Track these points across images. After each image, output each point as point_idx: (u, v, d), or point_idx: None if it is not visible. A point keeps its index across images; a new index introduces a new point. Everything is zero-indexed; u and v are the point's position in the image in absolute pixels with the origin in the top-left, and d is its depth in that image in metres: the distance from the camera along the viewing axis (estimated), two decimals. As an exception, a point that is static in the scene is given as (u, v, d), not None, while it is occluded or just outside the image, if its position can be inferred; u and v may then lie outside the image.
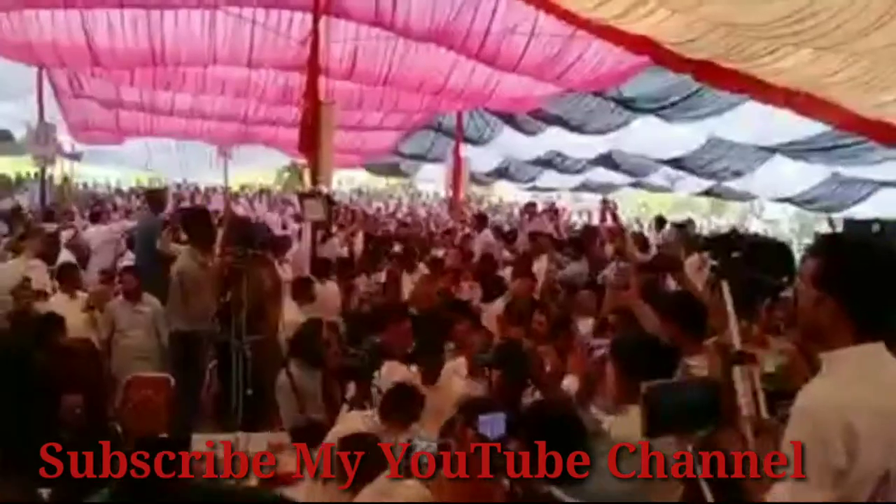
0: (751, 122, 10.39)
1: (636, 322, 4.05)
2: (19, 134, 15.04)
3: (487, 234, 11.02)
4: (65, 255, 7.98)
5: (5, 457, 3.23)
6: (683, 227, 9.38)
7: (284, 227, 13.88)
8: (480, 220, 11.71)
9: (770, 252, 2.80)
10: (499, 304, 6.28)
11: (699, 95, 10.13)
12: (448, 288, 7.04)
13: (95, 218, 10.81)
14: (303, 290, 6.82)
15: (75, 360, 4.74)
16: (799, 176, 12.64)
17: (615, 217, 9.73)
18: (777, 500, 1.87)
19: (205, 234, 5.98)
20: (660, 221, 10.68)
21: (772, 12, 5.56)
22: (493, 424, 1.88)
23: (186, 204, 15.66)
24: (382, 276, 8.00)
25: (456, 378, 4.35)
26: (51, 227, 9.19)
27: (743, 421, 2.26)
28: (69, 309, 5.62)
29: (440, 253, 9.43)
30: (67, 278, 6.29)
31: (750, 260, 2.53)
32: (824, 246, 2.06)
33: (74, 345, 5.30)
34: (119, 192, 21.90)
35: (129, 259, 8.33)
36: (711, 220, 25.69)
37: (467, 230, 12.52)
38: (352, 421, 3.92)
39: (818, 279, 1.95)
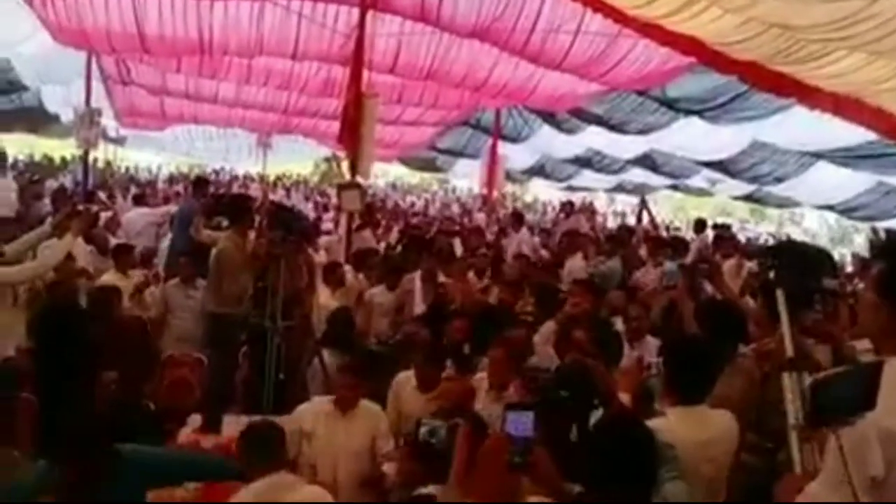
0: (796, 127, 10.24)
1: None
2: (66, 117, 15.37)
3: (525, 233, 10.90)
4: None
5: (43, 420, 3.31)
6: (727, 229, 9.26)
7: (319, 218, 14.01)
8: (517, 219, 11.59)
9: (815, 258, 2.77)
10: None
11: (745, 98, 9.99)
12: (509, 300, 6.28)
13: (139, 201, 11.01)
14: (333, 275, 6.89)
15: (126, 335, 4.88)
16: (842, 184, 12.41)
17: (651, 215, 9.75)
18: (806, 499, 1.86)
19: (245, 219, 6.08)
20: (700, 224, 10.54)
21: (828, 13, 5.45)
22: (519, 423, 1.85)
23: (223, 191, 15.84)
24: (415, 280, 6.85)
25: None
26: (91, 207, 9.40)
27: (790, 428, 2.25)
28: (123, 287, 5.75)
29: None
30: (121, 258, 6.45)
31: (797, 266, 2.51)
32: (889, 251, 2.02)
33: (128, 320, 5.46)
34: (160, 179, 22.25)
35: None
36: (749, 226, 25.28)
37: (497, 228, 12.51)
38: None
39: (879, 284, 1.92)
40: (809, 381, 1.93)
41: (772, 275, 2.57)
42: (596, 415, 2.64)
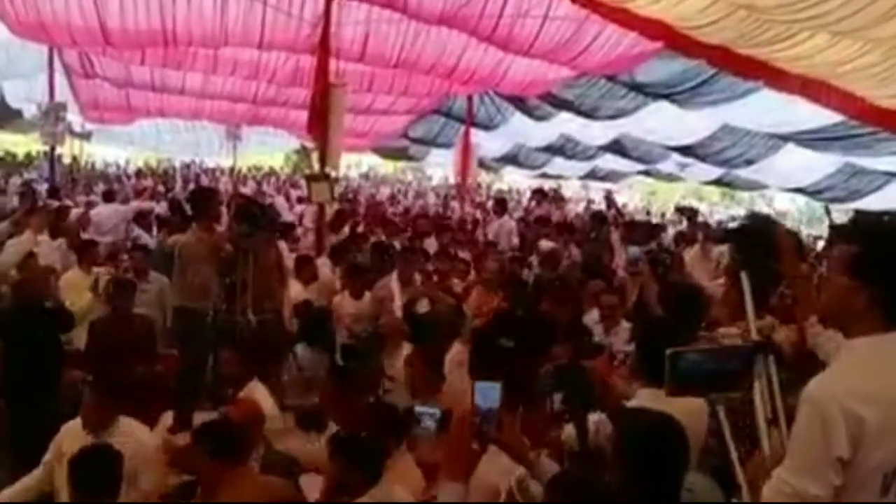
0: (764, 110, 10.31)
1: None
2: (29, 112, 15.08)
3: (506, 219, 10.76)
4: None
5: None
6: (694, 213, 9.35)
7: (291, 209, 13.90)
8: (501, 205, 11.47)
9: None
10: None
11: (713, 82, 10.03)
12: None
13: (108, 197, 10.86)
14: (305, 269, 6.82)
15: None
16: (810, 165, 12.54)
17: (617, 209, 9.85)
18: (771, 487, 1.86)
19: (207, 212, 5.99)
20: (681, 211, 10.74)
21: (792, -6, 5.48)
22: (487, 394, 1.87)
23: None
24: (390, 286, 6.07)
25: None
26: (53, 203, 9.25)
27: (757, 411, 2.25)
28: (84, 285, 5.64)
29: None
30: (85, 254, 6.34)
31: (760, 248, 2.51)
32: (860, 233, 2.00)
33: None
34: (126, 174, 21.92)
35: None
36: (720, 210, 25.55)
37: (478, 217, 12.45)
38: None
39: (852, 267, 1.90)
40: (669, 351, 1.94)
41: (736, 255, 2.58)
42: (593, 418, 2.62)
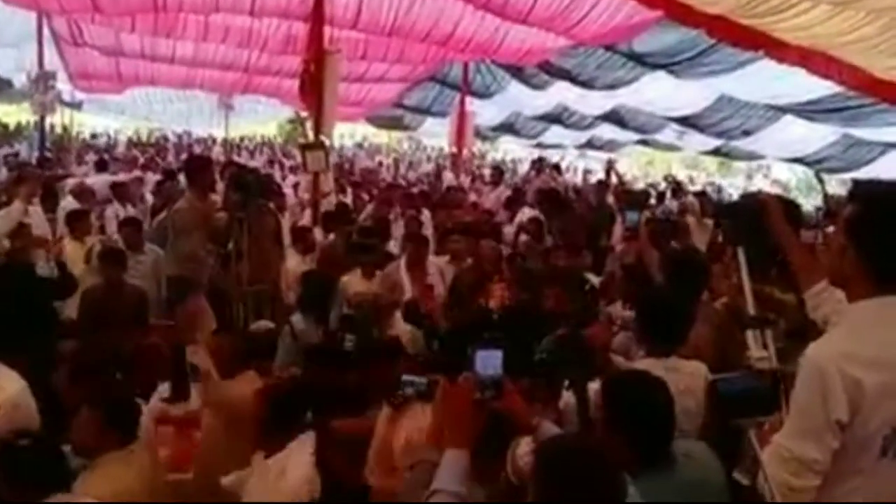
0: (762, 81, 10.23)
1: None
2: (19, 81, 14.86)
3: (504, 190, 10.66)
4: (69, 203, 7.94)
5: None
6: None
7: (284, 179, 13.77)
8: (498, 175, 11.31)
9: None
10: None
11: (711, 52, 9.94)
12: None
13: (101, 166, 10.73)
14: (302, 239, 6.78)
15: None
16: (808, 136, 12.51)
17: (619, 177, 9.83)
18: (771, 452, 1.87)
19: (202, 180, 5.93)
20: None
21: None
22: (488, 361, 1.87)
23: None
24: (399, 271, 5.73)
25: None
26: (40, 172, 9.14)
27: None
28: (77, 256, 5.60)
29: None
30: (77, 225, 6.28)
31: (757, 221, 2.48)
32: (855, 195, 2.01)
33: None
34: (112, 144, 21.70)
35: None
36: (717, 179, 25.49)
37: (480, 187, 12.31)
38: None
39: (846, 227, 1.92)
40: (710, 380, 1.94)
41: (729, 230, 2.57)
42: (593, 386, 2.62)
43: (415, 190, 11.48)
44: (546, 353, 2.83)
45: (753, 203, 2.50)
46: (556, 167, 13.42)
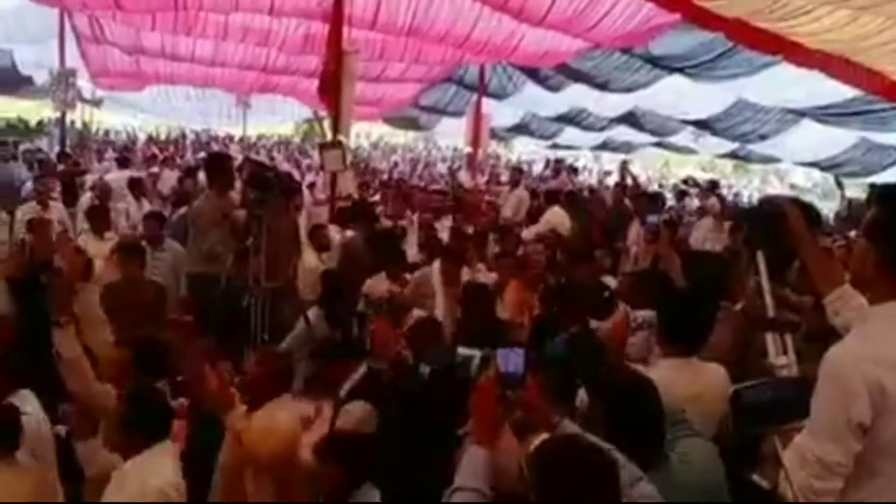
0: (779, 84, 10.18)
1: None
2: (41, 79, 15.02)
3: (521, 191, 10.44)
4: (88, 198, 8.05)
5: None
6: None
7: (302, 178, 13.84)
8: (517, 176, 11.00)
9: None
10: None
11: (729, 55, 9.90)
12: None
13: (122, 164, 10.83)
14: (319, 238, 6.83)
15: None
16: (826, 140, 12.42)
17: (633, 177, 9.80)
18: (793, 454, 1.87)
19: (222, 178, 5.98)
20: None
21: (813, -33, 5.37)
22: (510, 360, 1.89)
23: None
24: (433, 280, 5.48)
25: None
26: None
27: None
28: (98, 250, 5.66)
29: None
30: (97, 220, 6.35)
31: (775, 227, 2.49)
32: (879, 197, 2.03)
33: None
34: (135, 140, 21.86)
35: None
36: (732, 182, 25.34)
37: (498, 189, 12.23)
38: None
39: (866, 229, 1.94)
40: (731, 391, 1.95)
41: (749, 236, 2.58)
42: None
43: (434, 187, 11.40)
44: (558, 351, 2.86)
45: (773, 207, 2.50)
46: (574, 169, 13.37)
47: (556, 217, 8.14)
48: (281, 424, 3.13)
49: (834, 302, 2.25)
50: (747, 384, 1.99)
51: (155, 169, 11.90)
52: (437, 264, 5.53)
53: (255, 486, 3.10)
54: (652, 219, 5.42)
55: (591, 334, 3.10)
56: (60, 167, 10.15)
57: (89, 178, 8.94)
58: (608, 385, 2.37)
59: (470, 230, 7.50)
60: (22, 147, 13.30)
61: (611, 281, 5.23)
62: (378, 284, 5.56)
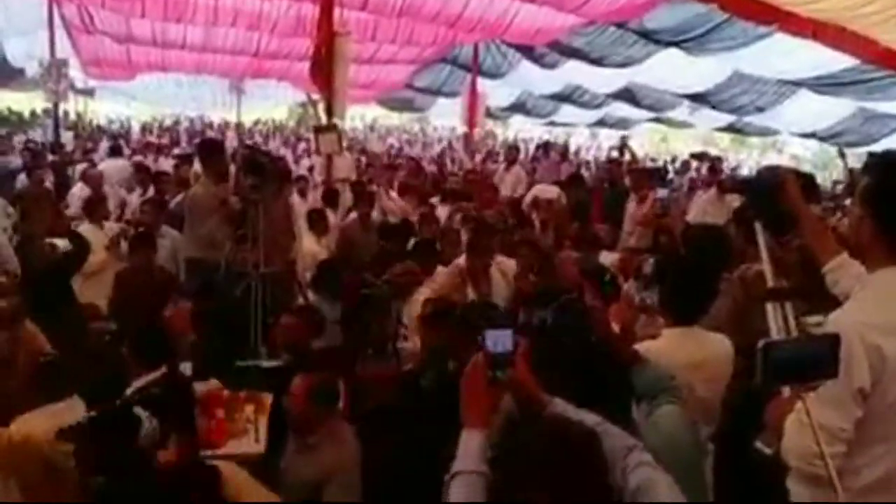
0: (775, 56, 10.11)
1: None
2: (32, 70, 14.90)
3: (518, 169, 10.43)
4: (80, 188, 8.02)
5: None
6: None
7: (297, 163, 13.83)
8: (514, 155, 10.95)
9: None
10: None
11: (724, 27, 9.82)
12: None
13: (115, 152, 10.78)
14: (318, 222, 6.82)
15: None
16: (823, 111, 12.38)
17: (632, 154, 9.76)
18: (794, 420, 1.88)
19: (216, 164, 5.98)
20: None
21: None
22: (499, 340, 1.87)
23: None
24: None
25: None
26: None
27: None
28: (96, 240, 5.65)
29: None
30: (95, 210, 6.34)
31: (773, 196, 2.47)
32: (874, 165, 2.02)
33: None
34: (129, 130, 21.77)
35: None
36: (730, 155, 25.29)
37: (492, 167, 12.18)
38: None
39: (862, 197, 1.94)
40: (761, 343, 1.92)
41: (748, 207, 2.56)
42: None
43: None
44: (547, 320, 2.84)
45: (772, 177, 2.48)
46: (564, 151, 13.33)
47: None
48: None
49: (834, 270, 2.22)
50: (777, 339, 1.97)
51: (149, 158, 11.87)
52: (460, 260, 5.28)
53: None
54: (662, 192, 5.39)
55: (580, 305, 3.08)
56: (52, 158, 10.13)
57: (78, 168, 8.89)
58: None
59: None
60: (16, 139, 13.25)
61: (610, 256, 5.23)
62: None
